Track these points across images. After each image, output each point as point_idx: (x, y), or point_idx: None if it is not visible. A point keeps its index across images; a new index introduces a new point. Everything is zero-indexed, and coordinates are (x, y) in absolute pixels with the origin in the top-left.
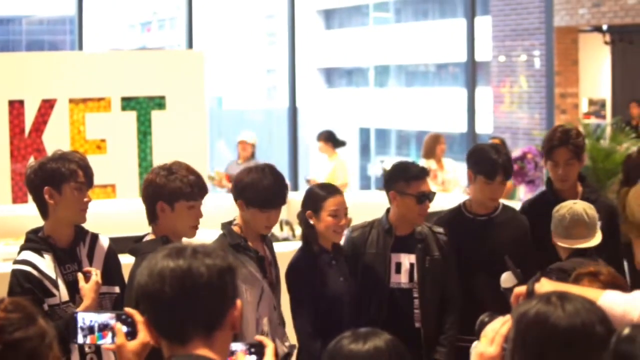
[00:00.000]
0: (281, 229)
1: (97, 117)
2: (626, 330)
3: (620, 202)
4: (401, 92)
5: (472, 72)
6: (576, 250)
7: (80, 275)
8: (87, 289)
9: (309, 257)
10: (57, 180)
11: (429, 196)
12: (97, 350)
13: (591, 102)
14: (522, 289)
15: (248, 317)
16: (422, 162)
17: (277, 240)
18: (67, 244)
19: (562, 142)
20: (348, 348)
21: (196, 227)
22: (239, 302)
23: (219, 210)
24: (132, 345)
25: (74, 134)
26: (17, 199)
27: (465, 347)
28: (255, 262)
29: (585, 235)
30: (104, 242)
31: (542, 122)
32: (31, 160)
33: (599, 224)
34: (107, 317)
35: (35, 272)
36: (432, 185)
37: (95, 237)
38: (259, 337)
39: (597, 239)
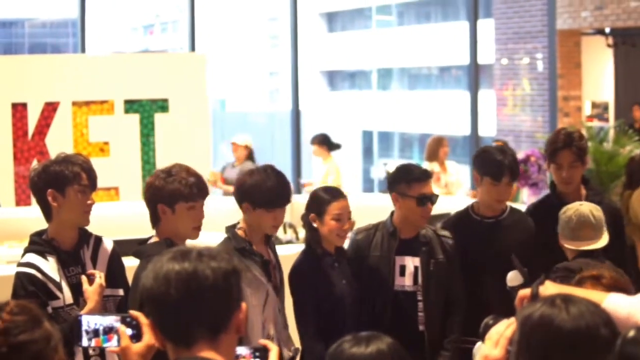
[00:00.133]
0: (284, 231)
1: (100, 120)
2: (631, 333)
3: (623, 204)
4: (404, 95)
5: (474, 75)
6: (583, 252)
7: (84, 278)
8: (90, 291)
9: (312, 260)
10: (60, 183)
11: (430, 198)
12: (101, 353)
13: (594, 105)
14: (526, 291)
15: (253, 321)
16: (425, 165)
17: (281, 242)
18: (71, 246)
19: (565, 145)
20: (350, 352)
21: (199, 228)
22: (244, 305)
23: (218, 213)
24: (137, 347)
25: (77, 136)
26: (21, 201)
27: (470, 349)
28: (260, 266)
29: (592, 237)
30: (108, 244)
31: (545, 125)
32: (34, 163)
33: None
34: (112, 320)
35: (39, 275)
36: (435, 188)
37: (99, 240)
38: (263, 341)
39: (603, 241)
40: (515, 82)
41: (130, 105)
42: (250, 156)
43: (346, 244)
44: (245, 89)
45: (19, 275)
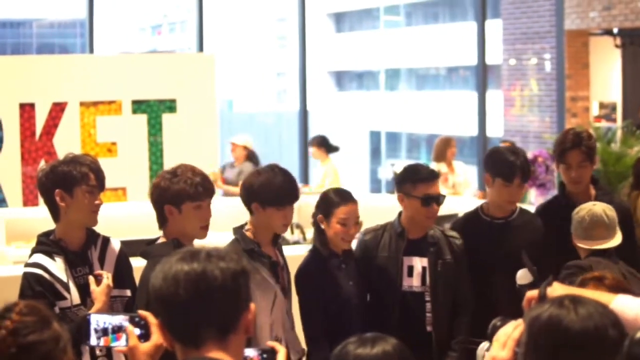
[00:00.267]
0: (292, 232)
1: (107, 120)
2: (639, 334)
3: (631, 205)
4: (412, 96)
5: (482, 76)
6: (596, 251)
7: (91, 279)
8: (98, 292)
9: (318, 261)
10: (68, 183)
11: (435, 199)
12: (108, 352)
13: (602, 106)
14: (534, 292)
15: (262, 323)
16: (433, 166)
17: (288, 243)
18: (78, 247)
19: (574, 145)
20: (355, 353)
21: (206, 228)
22: (252, 305)
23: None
24: (145, 347)
25: (84, 137)
26: (28, 202)
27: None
28: (268, 267)
29: (605, 237)
30: (116, 245)
31: (553, 125)
32: (42, 164)
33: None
34: (120, 319)
35: (46, 275)
36: (442, 188)
37: (106, 240)
38: (270, 343)
39: (616, 240)
40: (523, 82)
41: (138, 106)
42: (249, 157)
43: (354, 244)
44: (252, 90)
45: (26, 275)
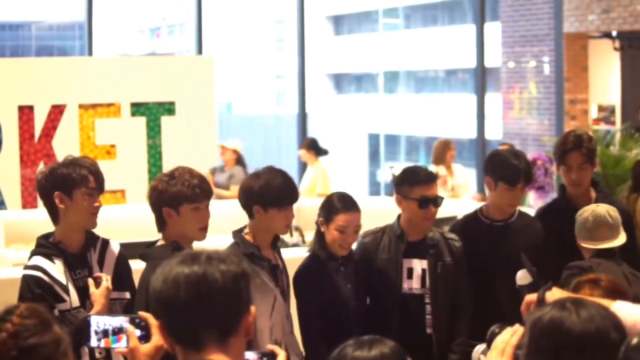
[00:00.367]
0: (291, 234)
1: (106, 123)
2: (635, 340)
3: (630, 207)
4: (410, 98)
5: (481, 78)
6: (600, 252)
7: (90, 281)
8: (97, 294)
9: (317, 264)
10: (68, 186)
11: (433, 201)
12: (107, 354)
13: (601, 108)
14: (532, 296)
15: (261, 326)
16: (432, 168)
17: (287, 246)
18: (77, 249)
19: (575, 147)
20: (353, 355)
21: (205, 229)
22: (253, 308)
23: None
24: (146, 348)
25: (83, 139)
26: (27, 204)
27: None
28: (268, 271)
29: (609, 237)
30: (115, 247)
31: (552, 128)
32: (41, 166)
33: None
34: (121, 321)
35: (45, 278)
36: (441, 191)
37: (106, 243)
38: (270, 346)
39: (620, 240)
40: (521, 85)
41: (137, 108)
42: (239, 160)
43: (353, 246)
44: (251, 92)
45: (25, 278)
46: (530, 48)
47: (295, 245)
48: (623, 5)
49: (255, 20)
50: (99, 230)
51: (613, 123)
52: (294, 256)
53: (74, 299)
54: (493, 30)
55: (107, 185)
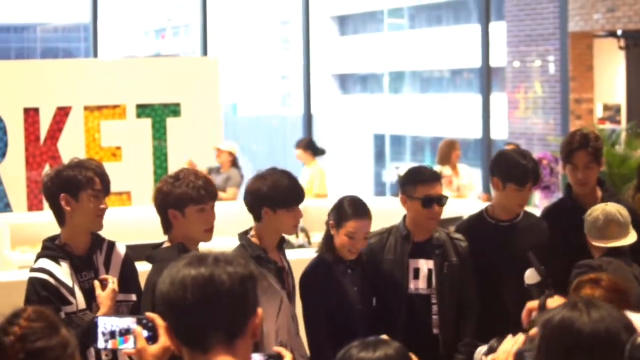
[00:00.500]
0: (297, 235)
1: (112, 125)
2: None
3: (635, 207)
4: (416, 98)
5: (486, 78)
6: (610, 251)
7: (96, 283)
8: (103, 296)
9: (324, 266)
10: (74, 188)
11: (437, 200)
12: (114, 356)
13: (606, 108)
14: (534, 303)
15: (268, 328)
16: (437, 168)
17: (293, 247)
18: (83, 251)
19: (581, 146)
20: (358, 356)
21: (211, 230)
22: (259, 310)
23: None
24: (153, 349)
25: (89, 141)
26: (33, 206)
27: None
28: (274, 273)
29: (619, 235)
30: (121, 249)
31: (557, 127)
32: (47, 168)
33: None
34: (128, 322)
35: (52, 280)
36: (447, 191)
37: (112, 245)
38: (277, 348)
39: (631, 238)
40: (527, 84)
41: (143, 110)
42: (234, 163)
43: None
44: (257, 93)
45: (31, 280)
46: (535, 47)
47: (301, 246)
48: (628, 4)
49: (260, 21)
50: (105, 232)
51: (618, 122)
52: (300, 257)
53: (80, 301)
54: (498, 29)
55: (113, 187)
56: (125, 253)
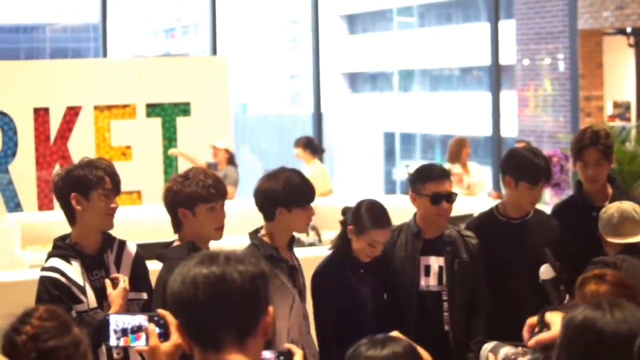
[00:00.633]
0: (307, 234)
1: (122, 124)
2: None
3: None
4: (426, 97)
5: (496, 76)
6: (625, 248)
7: (108, 282)
8: (114, 295)
9: (337, 264)
10: (84, 187)
11: (445, 197)
12: (125, 354)
13: (616, 105)
14: (533, 320)
15: (280, 327)
16: (447, 166)
17: (303, 245)
18: (94, 250)
19: (592, 143)
20: (366, 354)
21: (221, 229)
22: (270, 308)
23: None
24: (165, 346)
25: (99, 140)
26: (43, 205)
27: None
28: (286, 272)
29: (634, 232)
30: (132, 248)
31: (567, 125)
32: (57, 168)
33: None
34: (140, 319)
35: (63, 279)
36: (457, 189)
37: (122, 244)
38: (287, 345)
39: None
40: (536, 82)
41: (152, 109)
42: (231, 160)
43: None
44: (266, 92)
45: (42, 279)
46: (544, 45)
47: (311, 244)
48: (637, 2)
49: (270, 20)
50: (116, 232)
51: (628, 119)
52: (311, 255)
53: (91, 300)
54: (508, 27)
55: (123, 187)
56: (135, 252)
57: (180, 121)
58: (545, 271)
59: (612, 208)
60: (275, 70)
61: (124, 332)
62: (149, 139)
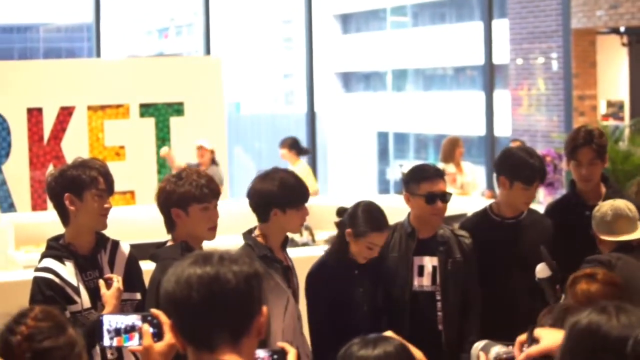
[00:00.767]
0: (301, 234)
1: (115, 124)
2: None
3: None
4: (419, 96)
5: (490, 75)
6: (619, 247)
7: (101, 282)
8: (108, 295)
9: (331, 265)
10: (78, 187)
11: (440, 196)
12: (119, 355)
13: (609, 104)
14: (523, 337)
15: (275, 327)
16: (441, 166)
17: (297, 245)
18: (88, 250)
19: (585, 142)
20: (358, 354)
21: (214, 229)
22: (265, 308)
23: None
24: (159, 346)
25: (92, 141)
26: (37, 206)
27: None
28: (281, 273)
29: (628, 230)
30: (125, 248)
31: (561, 124)
32: (50, 168)
33: None
34: (133, 319)
35: (56, 280)
36: (451, 188)
37: (116, 244)
38: (281, 344)
39: (639, 233)
40: (530, 81)
41: (146, 109)
42: (213, 160)
43: None
44: (260, 92)
45: (36, 280)
46: (538, 44)
47: (305, 244)
48: (631, 1)
49: (263, 20)
50: (109, 232)
51: (622, 119)
52: (304, 255)
53: (85, 300)
54: (501, 27)
55: (117, 187)
56: (129, 252)
57: (174, 121)
58: (542, 270)
59: (606, 206)
60: (269, 70)
61: (117, 332)
62: (143, 139)
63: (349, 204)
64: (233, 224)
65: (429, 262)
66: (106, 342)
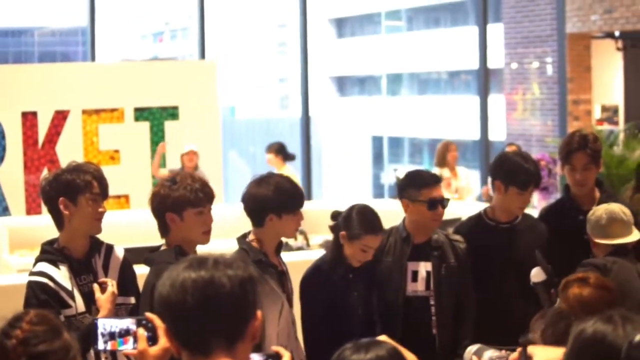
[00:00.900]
0: (295, 238)
1: (110, 128)
2: (638, 337)
3: (634, 208)
4: (414, 100)
5: (484, 80)
6: (614, 250)
7: (96, 286)
8: (103, 299)
9: (325, 269)
10: (72, 192)
11: (441, 202)
12: (114, 358)
13: (604, 109)
14: (515, 355)
15: (270, 332)
16: (435, 171)
17: (291, 249)
18: (82, 255)
19: (580, 147)
20: (350, 359)
21: (209, 233)
22: (259, 312)
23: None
24: (154, 350)
25: (87, 144)
26: (31, 210)
27: None
28: (275, 277)
29: (622, 233)
30: (119, 252)
31: (555, 129)
32: (45, 172)
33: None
34: (127, 323)
35: (51, 284)
36: (446, 193)
37: (110, 248)
38: (275, 348)
39: (635, 235)
40: (525, 86)
41: (141, 113)
42: (197, 165)
43: None
44: (255, 96)
45: (31, 284)
46: (533, 49)
47: (299, 248)
48: (625, 5)
49: (258, 24)
50: (104, 236)
51: (616, 123)
52: (298, 259)
53: (79, 304)
54: (496, 31)
55: (111, 191)
56: (123, 256)
57: (169, 125)
58: (537, 274)
59: (600, 210)
60: (264, 74)
61: (112, 335)
62: (137, 143)
63: (343, 208)
64: (227, 229)
65: (423, 268)
66: (100, 346)
